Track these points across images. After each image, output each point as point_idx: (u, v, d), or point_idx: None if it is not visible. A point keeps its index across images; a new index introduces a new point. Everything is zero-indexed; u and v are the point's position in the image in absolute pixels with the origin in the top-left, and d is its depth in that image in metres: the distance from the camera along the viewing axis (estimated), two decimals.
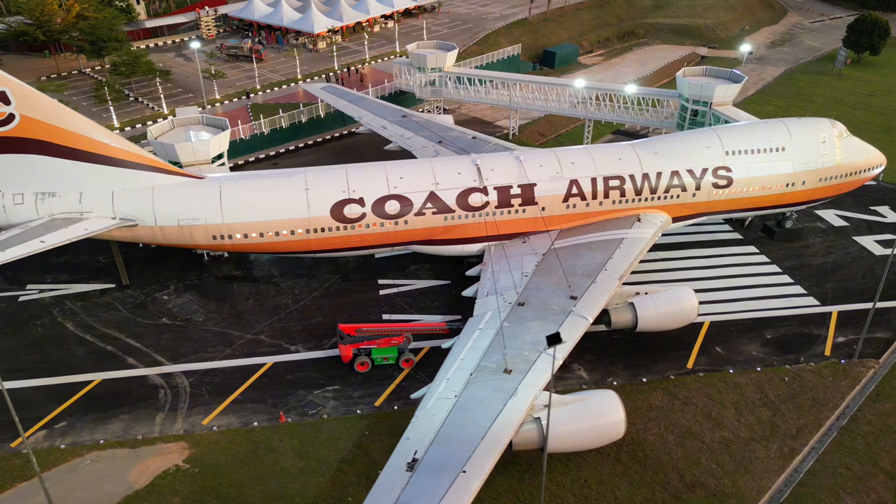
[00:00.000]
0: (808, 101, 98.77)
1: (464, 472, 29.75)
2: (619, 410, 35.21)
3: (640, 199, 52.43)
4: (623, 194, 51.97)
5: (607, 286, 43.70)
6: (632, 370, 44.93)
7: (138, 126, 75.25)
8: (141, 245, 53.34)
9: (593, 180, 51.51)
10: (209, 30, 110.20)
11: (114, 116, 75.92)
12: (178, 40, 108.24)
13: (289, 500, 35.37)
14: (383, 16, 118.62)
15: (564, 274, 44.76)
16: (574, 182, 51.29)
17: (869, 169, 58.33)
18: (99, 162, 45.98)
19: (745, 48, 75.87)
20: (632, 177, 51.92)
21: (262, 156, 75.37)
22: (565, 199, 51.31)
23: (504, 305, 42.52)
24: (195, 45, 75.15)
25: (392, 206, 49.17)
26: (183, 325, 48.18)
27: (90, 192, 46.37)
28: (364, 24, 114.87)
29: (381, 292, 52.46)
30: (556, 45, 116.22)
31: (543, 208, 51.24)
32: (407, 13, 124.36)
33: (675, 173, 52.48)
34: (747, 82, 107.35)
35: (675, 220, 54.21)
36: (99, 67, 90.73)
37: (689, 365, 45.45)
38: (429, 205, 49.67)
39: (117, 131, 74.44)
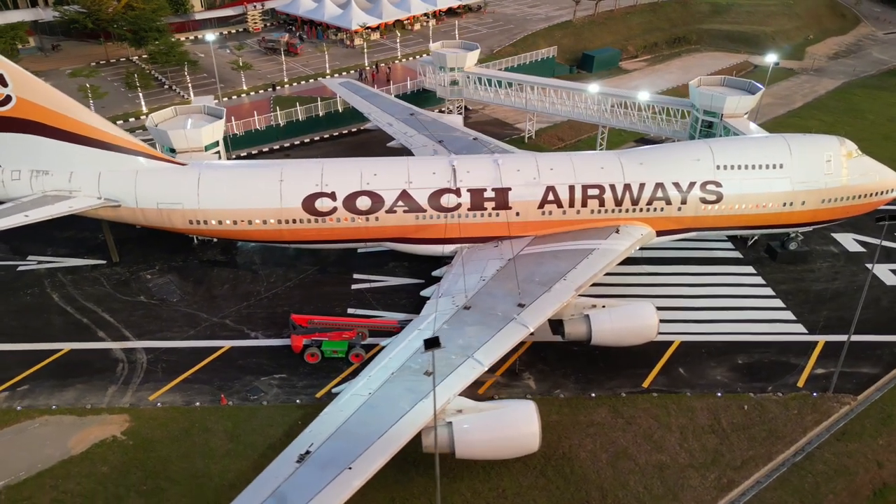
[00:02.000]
0: (858, 118, 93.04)
1: (349, 468, 29.96)
2: (534, 423, 34.42)
3: (620, 210, 50.91)
4: (602, 204, 50.61)
5: (560, 296, 42.76)
6: (583, 384, 43.78)
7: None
8: (137, 226, 55.93)
9: (571, 188, 50.43)
10: (255, 23, 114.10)
11: (143, 102, 79.89)
12: (224, 32, 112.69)
13: (208, 479, 36.54)
14: (426, 14, 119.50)
15: (518, 281, 44.08)
16: (551, 188, 50.37)
17: (884, 192, 54.46)
18: (88, 144, 48.71)
19: (771, 58, 71.93)
20: (612, 186, 50.48)
21: (276, 147, 77.54)
22: (541, 206, 50.43)
23: (450, 308, 42.35)
24: (210, 37, 78.11)
25: (363, 202, 49.72)
26: (157, 304, 50.39)
27: (79, 172, 49.17)
28: (405, 22, 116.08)
29: (353, 287, 53.13)
30: (597, 49, 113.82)
31: (518, 213, 50.57)
32: (451, 12, 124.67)
33: (659, 185, 50.67)
34: (795, 95, 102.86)
35: (659, 233, 52.32)
36: (146, 56, 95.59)
37: (646, 384, 43.87)
38: (400, 203, 49.94)
39: (144, 117, 78.32)
